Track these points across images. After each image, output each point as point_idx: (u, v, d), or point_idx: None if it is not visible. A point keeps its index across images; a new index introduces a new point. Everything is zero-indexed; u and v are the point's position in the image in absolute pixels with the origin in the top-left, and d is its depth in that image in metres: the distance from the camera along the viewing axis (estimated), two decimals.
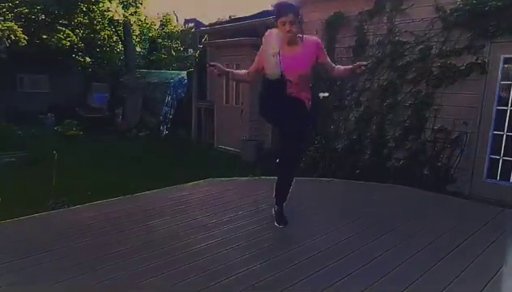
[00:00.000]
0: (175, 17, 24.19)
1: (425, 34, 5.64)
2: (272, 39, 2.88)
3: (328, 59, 3.06)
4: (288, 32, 2.79)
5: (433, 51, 5.60)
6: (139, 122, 13.59)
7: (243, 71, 3.13)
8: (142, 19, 19.34)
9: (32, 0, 13.16)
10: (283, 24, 2.78)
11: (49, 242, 2.79)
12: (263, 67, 2.90)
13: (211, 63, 2.95)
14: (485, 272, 2.44)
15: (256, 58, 2.99)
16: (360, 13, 6.36)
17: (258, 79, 3.07)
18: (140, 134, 12.96)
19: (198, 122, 11.31)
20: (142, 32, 20.79)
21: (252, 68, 3.02)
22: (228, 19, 14.98)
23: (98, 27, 16.55)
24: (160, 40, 21.75)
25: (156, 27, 22.85)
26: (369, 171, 5.95)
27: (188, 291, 2.19)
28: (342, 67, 3.15)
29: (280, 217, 3.18)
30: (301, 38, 2.91)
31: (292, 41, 2.87)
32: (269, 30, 2.92)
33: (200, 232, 3.00)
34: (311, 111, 3.02)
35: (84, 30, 15.90)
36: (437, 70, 5.55)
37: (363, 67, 2.98)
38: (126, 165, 8.29)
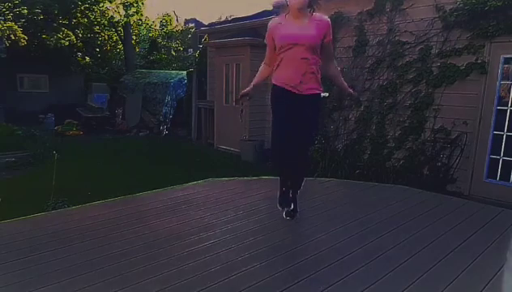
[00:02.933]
0: (175, 17, 24.22)
1: (425, 34, 5.65)
2: (278, 18, 2.96)
3: (331, 46, 3.06)
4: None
5: (432, 51, 5.61)
6: (139, 122, 13.60)
7: (261, 67, 3.13)
8: (143, 19, 19.35)
9: (32, 0, 13.16)
10: None
11: (48, 242, 2.78)
12: (273, 41, 2.90)
13: (240, 102, 3.09)
14: (485, 272, 2.44)
15: (266, 42, 3.00)
16: (359, 13, 6.37)
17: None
18: (140, 134, 12.97)
19: (198, 122, 11.31)
20: (141, 32, 20.79)
21: (267, 56, 3.04)
22: (228, 18, 14.99)
23: (98, 28, 16.55)
24: (159, 40, 21.77)
25: (156, 27, 22.87)
26: (369, 171, 5.95)
27: (187, 291, 2.19)
28: (338, 73, 3.21)
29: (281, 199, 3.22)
30: (311, 14, 2.91)
31: (301, 11, 2.85)
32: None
33: (200, 232, 3.00)
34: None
35: (84, 30, 15.90)
36: (437, 70, 5.56)
37: (353, 96, 3.34)
38: (126, 165, 8.29)
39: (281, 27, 2.90)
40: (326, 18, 2.97)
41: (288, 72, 2.87)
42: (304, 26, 2.86)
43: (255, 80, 3.13)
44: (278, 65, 2.93)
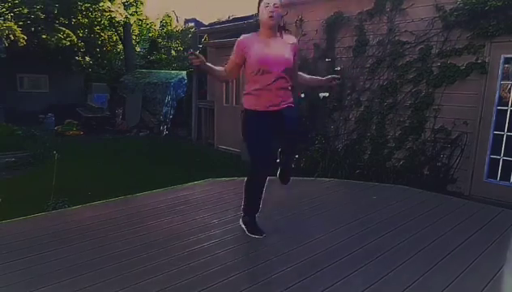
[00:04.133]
0: (175, 17, 24.23)
1: (425, 34, 5.65)
2: (250, 35, 2.81)
3: (297, 62, 2.98)
4: (271, 16, 2.65)
5: (433, 51, 5.60)
6: (139, 122, 13.61)
7: (220, 68, 2.95)
8: (143, 19, 19.36)
9: (31, 0, 13.16)
10: (267, 6, 2.66)
11: (48, 242, 2.79)
12: (243, 60, 2.76)
13: (191, 51, 2.77)
14: (485, 272, 2.44)
15: (232, 57, 2.83)
16: (360, 13, 6.36)
17: (234, 76, 2.99)
18: (140, 134, 12.97)
19: (198, 122, 11.31)
20: (141, 32, 20.79)
21: (229, 65, 2.86)
22: (228, 18, 14.99)
23: (98, 28, 16.55)
24: (160, 40, 21.77)
25: (156, 27, 22.87)
26: (369, 171, 5.95)
27: (187, 291, 2.19)
28: (308, 76, 3.16)
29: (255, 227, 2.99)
30: (281, 35, 2.81)
31: (272, 31, 2.74)
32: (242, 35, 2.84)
33: (200, 232, 3.00)
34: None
35: (84, 30, 15.91)
36: (437, 69, 5.56)
37: (337, 81, 3.06)
38: (126, 165, 8.29)
39: (256, 47, 2.73)
40: (293, 37, 2.95)
41: (267, 97, 2.75)
42: (279, 47, 2.75)
43: (212, 67, 2.90)
44: (254, 89, 2.78)
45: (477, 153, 5.26)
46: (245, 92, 2.89)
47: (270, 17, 2.67)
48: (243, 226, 3.03)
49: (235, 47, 2.80)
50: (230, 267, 2.45)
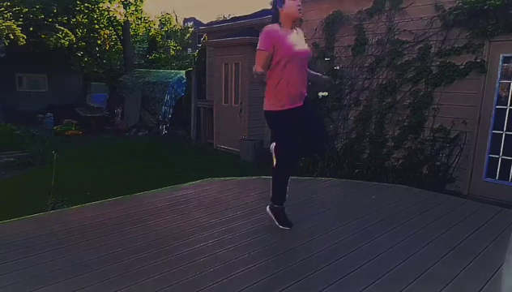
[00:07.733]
0: (174, 16, 24.20)
1: (424, 33, 5.65)
2: (275, 26, 2.88)
3: None
4: (299, 9, 2.86)
5: (432, 50, 5.61)
6: (138, 122, 13.58)
7: (258, 69, 2.85)
8: (142, 18, 19.31)
9: None
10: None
11: (48, 242, 2.79)
12: (274, 49, 2.77)
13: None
14: (484, 271, 2.45)
15: (262, 49, 2.79)
16: (359, 12, 6.36)
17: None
18: (139, 133, 12.95)
19: (197, 122, 11.30)
20: (139, 32, 20.73)
21: (263, 61, 2.80)
22: (227, 18, 14.97)
23: (97, 27, 16.52)
24: (159, 40, 21.74)
25: (156, 26, 22.83)
26: (368, 170, 5.95)
27: (187, 291, 2.19)
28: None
29: (285, 218, 3.12)
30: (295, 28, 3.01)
31: (295, 23, 2.93)
32: (266, 26, 2.90)
33: (199, 232, 3.01)
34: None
35: (83, 29, 15.87)
36: (436, 69, 5.56)
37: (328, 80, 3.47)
38: (126, 164, 8.28)
39: (284, 37, 2.81)
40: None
41: (295, 89, 2.85)
42: (300, 39, 2.96)
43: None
44: (279, 82, 2.80)
45: (476, 152, 5.27)
46: (270, 91, 2.89)
47: (299, 10, 2.88)
48: (272, 216, 3.14)
49: (264, 39, 2.81)
50: (229, 266, 2.45)
